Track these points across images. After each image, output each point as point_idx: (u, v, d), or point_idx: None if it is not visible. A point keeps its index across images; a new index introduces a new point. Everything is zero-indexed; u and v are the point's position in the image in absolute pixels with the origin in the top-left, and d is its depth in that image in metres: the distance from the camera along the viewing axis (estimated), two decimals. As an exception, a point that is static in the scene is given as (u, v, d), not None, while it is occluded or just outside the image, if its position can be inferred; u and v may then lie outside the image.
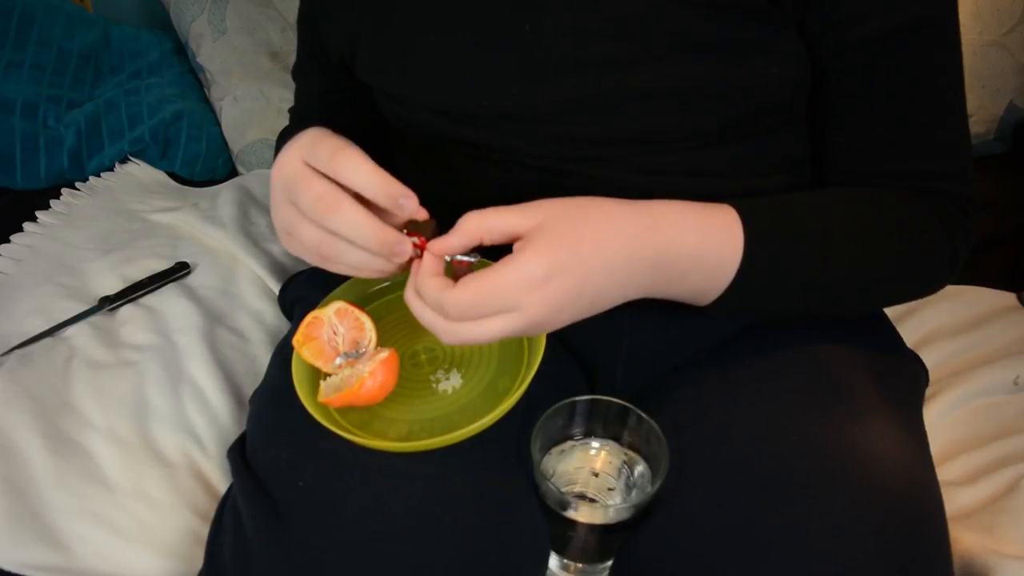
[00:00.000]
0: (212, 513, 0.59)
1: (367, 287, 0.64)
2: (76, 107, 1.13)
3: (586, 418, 0.56)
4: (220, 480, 0.68)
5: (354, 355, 0.57)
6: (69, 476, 0.65)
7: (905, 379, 0.62)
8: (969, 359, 0.80)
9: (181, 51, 1.29)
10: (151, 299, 0.86)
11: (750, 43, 0.53)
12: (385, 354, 0.54)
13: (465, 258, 0.49)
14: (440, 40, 0.58)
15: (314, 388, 0.55)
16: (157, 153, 1.14)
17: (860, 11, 0.53)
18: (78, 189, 1.06)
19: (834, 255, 0.53)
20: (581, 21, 0.54)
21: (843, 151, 0.59)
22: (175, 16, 1.23)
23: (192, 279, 0.90)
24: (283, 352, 0.65)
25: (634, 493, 0.54)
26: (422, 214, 0.49)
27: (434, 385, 0.57)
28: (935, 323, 0.85)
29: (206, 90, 1.25)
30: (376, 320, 0.58)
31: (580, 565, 0.56)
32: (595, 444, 0.57)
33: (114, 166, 1.11)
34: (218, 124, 1.21)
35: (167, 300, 0.85)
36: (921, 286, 0.60)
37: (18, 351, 0.77)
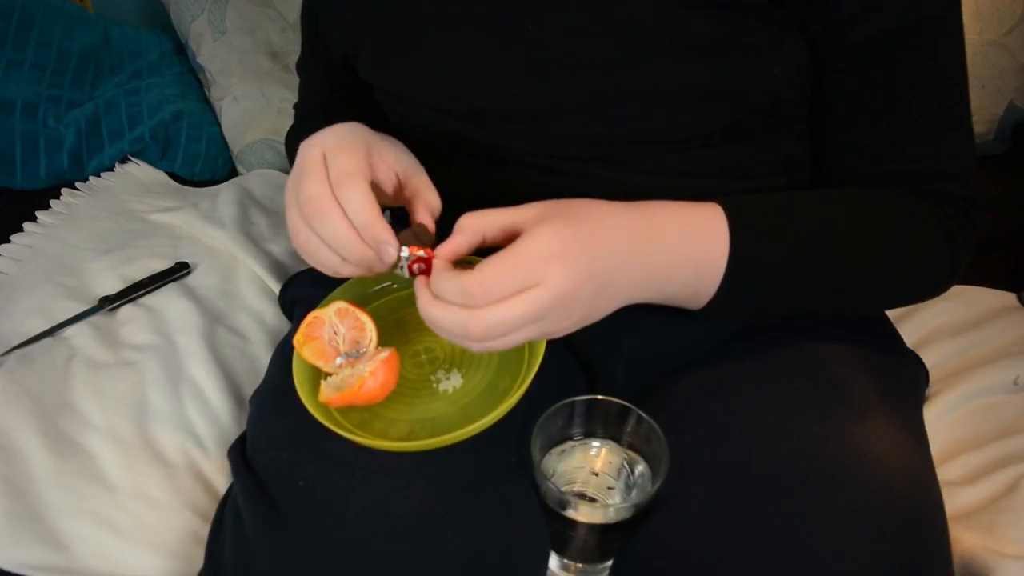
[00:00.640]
0: (212, 513, 0.59)
1: (368, 287, 0.65)
2: (76, 107, 1.13)
3: (586, 418, 0.56)
4: (220, 480, 0.68)
5: (355, 355, 0.57)
6: (69, 476, 0.65)
7: (905, 379, 0.62)
8: (969, 359, 0.80)
9: (181, 51, 1.28)
10: (151, 299, 0.86)
11: (751, 44, 0.53)
12: (386, 354, 0.54)
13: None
14: (441, 39, 0.58)
15: (315, 388, 0.55)
16: (157, 153, 1.14)
17: (862, 11, 0.52)
18: (78, 189, 1.06)
19: (828, 253, 0.53)
20: (583, 21, 0.54)
21: (843, 151, 0.59)
22: (175, 16, 1.23)
23: (192, 279, 0.90)
24: (283, 352, 0.65)
25: (634, 493, 0.54)
26: (428, 222, 0.51)
27: (435, 385, 0.57)
28: (935, 323, 0.85)
29: (206, 90, 1.25)
30: (377, 320, 0.58)
31: (580, 565, 0.56)
32: (595, 444, 0.57)
33: (114, 166, 1.12)
34: (218, 124, 1.21)
35: (167, 300, 0.85)
36: (920, 288, 0.59)
37: (18, 351, 0.77)
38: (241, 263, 0.92)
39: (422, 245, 0.50)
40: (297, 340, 0.56)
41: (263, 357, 0.80)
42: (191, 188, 1.14)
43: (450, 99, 0.60)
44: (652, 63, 0.53)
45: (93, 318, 0.82)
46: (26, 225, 0.98)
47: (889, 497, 0.47)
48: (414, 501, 0.50)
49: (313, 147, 0.51)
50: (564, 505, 0.51)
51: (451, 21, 0.58)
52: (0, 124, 1.05)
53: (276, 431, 0.57)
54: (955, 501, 0.65)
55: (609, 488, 0.55)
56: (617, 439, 0.56)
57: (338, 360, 0.57)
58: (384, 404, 0.55)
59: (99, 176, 1.10)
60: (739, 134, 0.57)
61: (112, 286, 0.87)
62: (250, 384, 0.76)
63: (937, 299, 0.87)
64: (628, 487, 0.55)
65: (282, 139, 1.16)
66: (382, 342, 0.58)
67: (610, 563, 0.56)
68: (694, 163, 0.58)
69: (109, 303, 0.84)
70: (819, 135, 0.60)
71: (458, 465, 0.52)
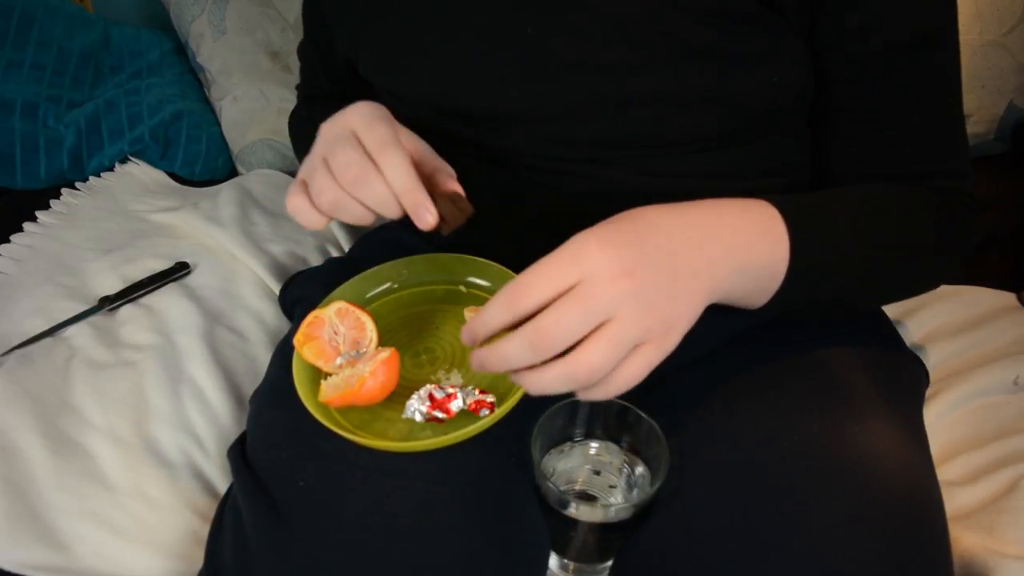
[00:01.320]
0: (212, 513, 0.60)
1: (368, 287, 0.65)
2: (76, 107, 1.13)
3: (586, 418, 0.56)
4: (220, 480, 0.69)
5: (355, 355, 0.57)
6: (69, 476, 0.65)
7: (905, 379, 0.62)
8: (969, 359, 0.80)
9: (181, 51, 1.29)
10: (151, 299, 0.86)
11: (750, 51, 0.53)
12: (386, 354, 0.54)
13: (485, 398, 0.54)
14: (442, 41, 0.58)
15: (315, 388, 0.55)
16: (157, 153, 1.14)
17: (870, 23, 0.53)
18: (78, 189, 1.06)
19: (869, 242, 0.53)
20: (582, 24, 0.54)
21: (849, 157, 0.59)
22: (175, 16, 1.23)
23: (192, 279, 0.90)
24: (283, 352, 0.65)
25: (635, 492, 0.54)
26: (459, 188, 0.53)
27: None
28: (935, 323, 0.85)
29: (206, 90, 1.25)
30: (377, 320, 0.58)
31: (580, 565, 0.56)
32: (595, 444, 0.56)
33: (114, 166, 1.12)
34: (218, 124, 1.21)
35: (167, 300, 0.85)
36: (934, 275, 0.60)
37: (18, 351, 0.77)
38: (241, 263, 0.92)
39: (459, 211, 0.52)
40: (297, 340, 0.56)
41: (263, 357, 0.80)
42: (191, 188, 1.14)
43: (450, 101, 0.60)
44: (651, 68, 0.54)
45: (93, 318, 0.82)
46: (26, 225, 0.98)
47: (889, 497, 0.47)
48: (414, 501, 0.50)
49: (342, 120, 0.52)
50: (564, 504, 0.51)
51: (452, 25, 0.58)
52: (0, 124, 1.05)
53: (276, 431, 0.57)
54: (955, 501, 0.65)
55: (611, 487, 0.55)
56: (617, 440, 0.56)
57: (338, 360, 0.57)
58: (384, 404, 0.55)
59: (99, 176, 1.10)
60: (738, 138, 0.57)
61: (112, 286, 0.87)
62: (250, 384, 0.76)
63: (937, 299, 0.86)
64: (629, 487, 0.55)
65: (282, 139, 1.17)
66: (382, 342, 0.58)
67: (610, 563, 0.56)
68: (694, 165, 0.58)
69: (109, 303, 0.84)
70: (822, 140, 0.60)
71: (458, 465, 0.52)
